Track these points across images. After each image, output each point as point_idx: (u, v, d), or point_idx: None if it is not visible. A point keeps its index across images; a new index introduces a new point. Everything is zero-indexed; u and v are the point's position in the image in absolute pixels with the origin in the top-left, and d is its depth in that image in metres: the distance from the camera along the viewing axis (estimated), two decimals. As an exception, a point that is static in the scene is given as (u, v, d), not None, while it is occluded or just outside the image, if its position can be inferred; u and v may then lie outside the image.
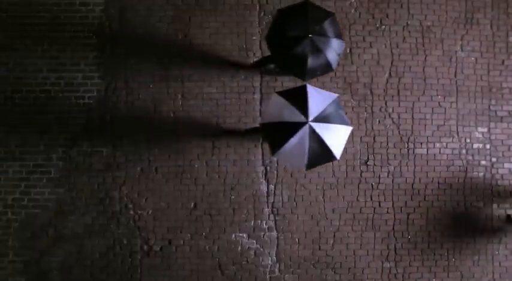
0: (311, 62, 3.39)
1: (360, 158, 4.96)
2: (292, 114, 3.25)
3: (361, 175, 4.96)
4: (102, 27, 4.95)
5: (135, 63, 4.94)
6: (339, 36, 3.46)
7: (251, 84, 4.98)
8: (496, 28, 5.15)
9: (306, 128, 3.21)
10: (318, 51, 3.37)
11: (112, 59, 4.93)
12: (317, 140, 3.24)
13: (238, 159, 4.92)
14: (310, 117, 3.23)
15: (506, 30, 5.16)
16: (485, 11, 5.15)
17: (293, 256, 4.89)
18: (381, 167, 4.97)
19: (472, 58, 5.12)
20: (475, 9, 5.15)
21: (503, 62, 5.14)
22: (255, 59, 4.95)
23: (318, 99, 3.29)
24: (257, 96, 4.97)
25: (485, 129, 5.08)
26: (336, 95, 3.41)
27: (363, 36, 5.06)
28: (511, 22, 5.18)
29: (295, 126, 3.22)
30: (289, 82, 4.97)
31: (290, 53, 3.37)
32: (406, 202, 4.97)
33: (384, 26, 5.07)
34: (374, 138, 4.94)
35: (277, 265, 4.87)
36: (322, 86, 5.00)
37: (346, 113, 4.98)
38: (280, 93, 3.40)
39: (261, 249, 4.88)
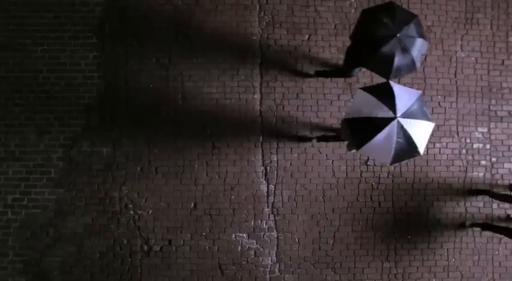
0: (398, 61, 3.43)
1: (360, 158, 4.95)
2: (380, 110, 3.25)
3: (361, 175, 4.96)
4: (102, 27, 4.95)
5: (135, 63, 4.94)
6: (423, 36, 3.52)
7: (251, 84, 4.98)
8: (496, 28, 5.15)
9: (394, 124, 3.22)
10: (405, 50, 3.42)
11: (112, 59, 4.93)
12: (404, 135, 3.25)
13: (238, 159, 4.92)
14: (399, 113, 3.23)
15: (506, 30, 5.16)
16: (485, 11, 5.15)
17: (293, 256, 4.89)
18: (381, 167, 4.97)
19: (472, 58, 5.12)
20: (475, 9, 5.14)
21: (503, 62, 5.14)
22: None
23: (403, 95, 3.31)
24: (257, 96, 4.97)
25: (485, 130, 5.08)
26: (420, 91, 3.43)
27: (363, 36, 5.06)
28: (511, 22, 5.18)
29: (384, 122, 3.23)
30: (289, 82, 4.97)
31: (378, 52, 3.41)
32: (406, 202, 4.97)
33: (384, 26, 5.07)
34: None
35: (277, 265, 4.87)
36: (323, 86, 5.00)
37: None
38: (365, 89, 3.41)
39: (261, 249, 4.88)
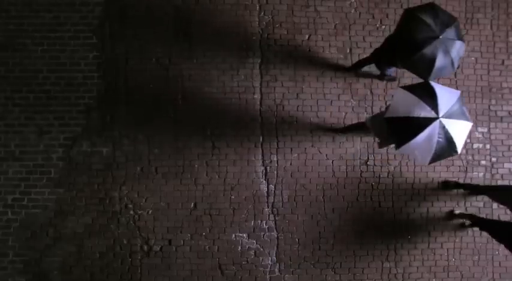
0: (439, 62, 3.45)
1: (360, 158, 4.96)
2: (422, 110, 3.25)
3: (361, 175, 4.96)
4: (102, 27, 4.95)
5: (135, 63, 4.94)
6: (462, 39, 3.55)
7: (251, 84, 4.98)
8: (496, 28, 5.15)
9: (436, 124, 3.22)
10: (446, 52, 3.44)
11: (112, 59, 4.93)
12: (445, 135, 3.25)
13: (238, 159, 4.92)
14: (441, 113, 3.23)
15: (506, 30, 5.16)
16: (485, 11, 5.15)
17: (293, 256, 4.89)
18: (381, 167, 4.97)
19: (472, 58, 5.12)
20: (475, 9, 5.14)
21: (503, 62, 5.14)
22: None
23: (445, 95, 3.31)
24: (257, 96, 4.97)
25: (485, 130, 5.08)
26: (459, 91, 3.43)
27: (363, 36, 5.06)
28: (511, 22, 5.18)
29: (426, 122, 3.23)
30: (289, 82, 4.97)
31: (419, 53, 3.43)
32: (406, 202, 4.97)
33: (383, 26, 5.07)
34: (374, 138, 4.94)
35: (277, 265, 4.87)
36: (322, 86, 5.00)
37: (346, 113, 4.98)
38: (406, 88, 3.40)
39: (261, 249, 4.88)
